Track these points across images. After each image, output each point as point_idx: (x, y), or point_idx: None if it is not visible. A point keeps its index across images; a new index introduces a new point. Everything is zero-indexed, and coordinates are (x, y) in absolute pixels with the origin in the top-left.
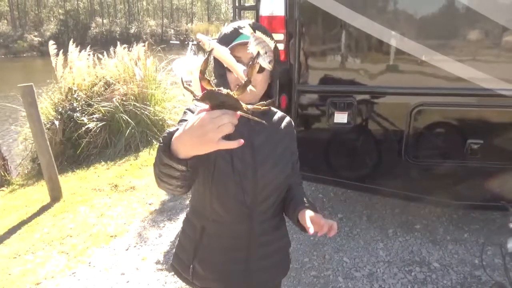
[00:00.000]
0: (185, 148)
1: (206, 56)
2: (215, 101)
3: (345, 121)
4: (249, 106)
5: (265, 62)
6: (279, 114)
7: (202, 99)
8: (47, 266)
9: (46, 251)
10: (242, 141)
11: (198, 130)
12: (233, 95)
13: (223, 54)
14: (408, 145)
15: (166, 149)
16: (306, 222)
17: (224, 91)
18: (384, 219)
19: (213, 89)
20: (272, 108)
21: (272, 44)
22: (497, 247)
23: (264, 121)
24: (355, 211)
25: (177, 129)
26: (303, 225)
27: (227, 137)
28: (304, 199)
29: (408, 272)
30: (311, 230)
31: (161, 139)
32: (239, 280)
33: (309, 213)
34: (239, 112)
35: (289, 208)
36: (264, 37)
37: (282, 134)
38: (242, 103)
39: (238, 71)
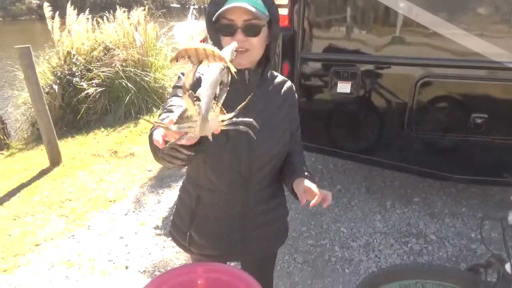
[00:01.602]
0: None
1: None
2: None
3: (348, 91)
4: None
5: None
6: (279, 78)
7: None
8: (47, 228)
9: (45, 214)
10: None
11: None
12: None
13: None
14: (411, 117)
15: None
16: (299, 192)
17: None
18: (383, 191)
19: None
20: (273, 72)
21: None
22: (495, 222)
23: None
24: (354, 183)
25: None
26: (297, 194)
27: None
28: (302, 167)
29: (404, 243)
30: (303, 201)
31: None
32: (236, 249)
33: (304, 182)
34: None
35: (285, 176)
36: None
37: (281, 101)
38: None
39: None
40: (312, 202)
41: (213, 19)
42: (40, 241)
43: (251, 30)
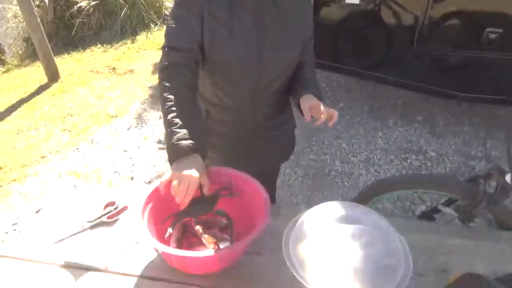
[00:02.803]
0: None
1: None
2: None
3: (357, 1)
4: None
5: None
6: None
7: None
8: (51, 141)
9: (48, 128)
10: None
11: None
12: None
13: None
14: (422, 32)
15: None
16: (305, 109)
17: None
18: (386, 109)
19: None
20: None
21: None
22: (497, 141)
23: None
24: (357, 101)
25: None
26: (303, 111)
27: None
28: (312, 82)
29: (404, 159)
30: (308, 118)
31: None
32: (243, 162)
33: (311, 99)
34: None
35: (293, 90)
36: None
37: (295, 11)
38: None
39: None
40: (318, 121)
41: None
42: (45, 154)
43: None
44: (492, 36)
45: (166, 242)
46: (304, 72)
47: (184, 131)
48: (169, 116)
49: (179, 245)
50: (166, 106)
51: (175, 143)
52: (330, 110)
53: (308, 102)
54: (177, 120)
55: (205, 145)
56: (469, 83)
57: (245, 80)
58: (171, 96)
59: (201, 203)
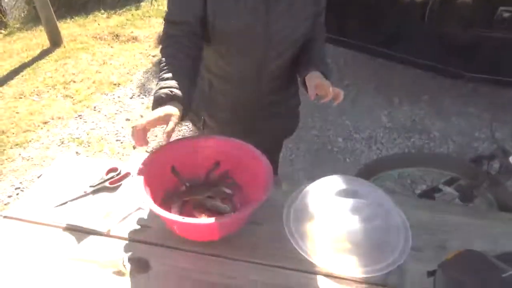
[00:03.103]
0: None
1: None
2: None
3: None
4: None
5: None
6: None
7: None
8: (53, 107)
9: (51, 94)
10: None
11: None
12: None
13: None
14: (434, 7)
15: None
16: (310, 86)
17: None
18: (391, 88)
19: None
20: None
21: None
22: (502, 123)
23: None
24: (363, 78)
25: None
26: (308, 88)
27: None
28: (320, 59)
29: (407, 138)
30: (313, 96)
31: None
32: (246, 136)
33: (317, 77)
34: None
35: (300, 66)
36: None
37: None
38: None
39: None
40: (323, 100)
41: None
42: (47, 119)
43: None
44: (506, 15)
45: (168, 208)
46: (313, 48)
47: (168, 82)
48: (160, 74)
49: (181, 211)
50: (160, 68)
51: (155, 92)
52: (336, 89)
53: (314, 80)
54: (166, 75)
55: (189, 97)
56: (478, 63)
57: (251, 51)
58: (164, 58)
59: (205, 186)
